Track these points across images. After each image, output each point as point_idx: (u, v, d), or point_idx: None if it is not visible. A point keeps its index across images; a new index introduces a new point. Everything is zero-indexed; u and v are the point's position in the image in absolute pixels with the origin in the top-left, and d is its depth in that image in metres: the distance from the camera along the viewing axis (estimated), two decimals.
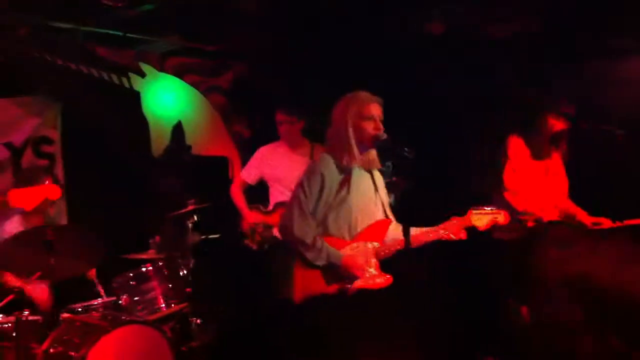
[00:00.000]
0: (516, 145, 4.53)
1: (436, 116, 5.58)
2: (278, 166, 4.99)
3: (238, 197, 5.11)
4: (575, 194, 4.63)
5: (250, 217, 4.98)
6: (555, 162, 4.61)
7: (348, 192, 3.46)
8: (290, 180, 4.85)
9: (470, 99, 5.43)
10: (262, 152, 5.16)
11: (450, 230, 3.52)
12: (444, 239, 3.54)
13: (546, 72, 5.14)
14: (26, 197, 3.29)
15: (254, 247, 4.88)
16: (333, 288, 3.42)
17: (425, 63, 5.66)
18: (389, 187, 3.71)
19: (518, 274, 4.31)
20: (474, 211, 3.56)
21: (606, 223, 4.26)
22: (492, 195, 4.49)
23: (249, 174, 5.15)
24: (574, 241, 4.11)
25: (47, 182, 3.48)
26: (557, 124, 4.48)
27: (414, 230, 3.53)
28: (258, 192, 5.16)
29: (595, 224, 4.32)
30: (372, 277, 3.45)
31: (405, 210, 3.64)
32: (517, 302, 4.34)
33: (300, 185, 3.52)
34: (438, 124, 5.53)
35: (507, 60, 5.38)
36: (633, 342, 3.31)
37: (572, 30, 5.08)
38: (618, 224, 4.16)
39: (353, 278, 3.41)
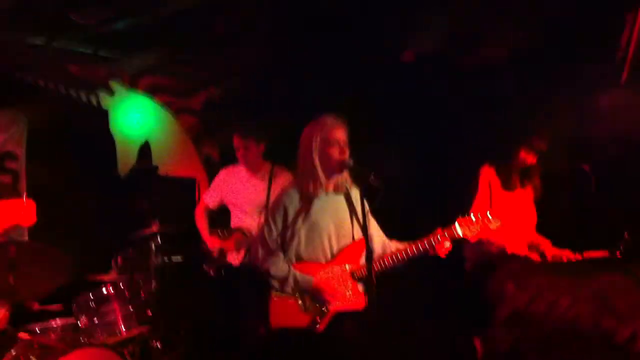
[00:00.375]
0: (487, 175, 4.60)
1: (410, 141, 5.64)
2: (237, 191, 4.96)
3: (200, 220, 5.07)
4: (546, 226, 4.71)
5: (209, 241, 4.95)
6: (526, 195, 4.68)
7: (308, 215, 3.49)
8: (247, 205, 4.87)
9: (446, 125, 5.51)
10: (222, 176, 5.12)
11: (437, 243, 3.50)
12: (430, 253, 3.52)
13: (519, 104, 5.23)
14: None
15: (211, 272, 4.83)
16: (309, 315, 3.44)
17: (398, 89, 5.74)
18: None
19: (474, 304, 4.37)
20: (461, 221, 3.54)
21: (566, 254, 4.34)
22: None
23: (210, 198, 5.11)
24: (531, 275, 4.16)
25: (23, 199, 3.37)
26: (528, 158, 4.55)
27: (396, 246, 3.59)
28: (224, 216, 5.14)
29: (555, 256, 4.39)
30: (350, 298, 3.47)
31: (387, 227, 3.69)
32: (469, 334, 4.37)
33: (265, 221, 3.59)
34: (411, 149, 5.59)
35: (482, 90, 5.48)
36: None
37: (543, 61, 5.20)
38: (577, 255, 4.24)
39: (327, 302, 3.44)
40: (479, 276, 4.41)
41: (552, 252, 4.44)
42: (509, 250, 4.45)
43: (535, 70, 5.24)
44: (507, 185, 4.59)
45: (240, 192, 4.93)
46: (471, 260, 4.58)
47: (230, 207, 5.02)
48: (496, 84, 5.43)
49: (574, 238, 4.46)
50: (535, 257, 4.43)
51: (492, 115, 5.36)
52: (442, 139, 5.59)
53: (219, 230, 4.99)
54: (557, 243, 4.56)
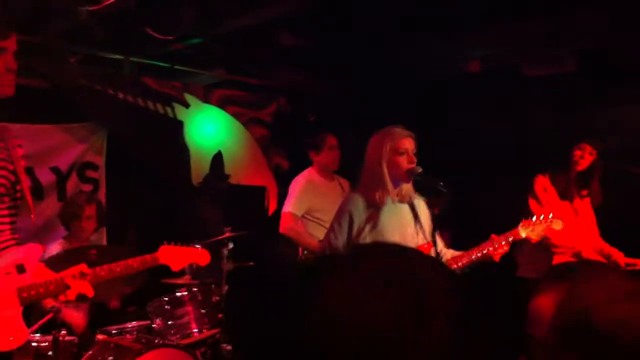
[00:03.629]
0: (542, 184, 4.47)
1: (470, 152, 5.59)
2: (324, 195, 4.96)
3: (296, 228, 4.91)
4: (612, 235, 4.56)
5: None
6: (584, 203, 4.53)
7: (377, 225, 3.50)
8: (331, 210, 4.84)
9: (503, 136, 5.43)
10: (302, 182, 5.07)
11: (492, 245, 3.51)
12: (487, 258, 3.52)
13: (583, 114, 5.11)
14: (175, 256, 3.43)
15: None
16: None
17: (461, 100, 5.71)
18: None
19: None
20: (525, 223, 3.53)
21: None
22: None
23: (298, 207, 4.95)
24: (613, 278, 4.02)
25: (198, 246, 3.67)
26: (583, 160, 4.40)
27: (452, 254, 3.59)
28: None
29: (629, 264, 4.23)
30: None
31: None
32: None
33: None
34: (471, 161, 5.53)
35: (542, 100, 5.38)
36: None
37: (607, 74, 5.07)
38: None
39: None
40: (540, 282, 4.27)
41: (624, 261, 4.27)
42: (584, 255, 4.30)
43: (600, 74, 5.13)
44: (564, 194, 4.44)
45: (328, 196, 4.93)
46: (525, 264, 4.45)
47: (317, 214, 4.95)
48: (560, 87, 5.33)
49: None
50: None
51: (546, 122, 5.26)
52: (494, 148, 5.51)
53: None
54: (628, 253, 4.40)
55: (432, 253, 3.55)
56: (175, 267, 3.44)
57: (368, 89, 6.22)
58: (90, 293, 2.96)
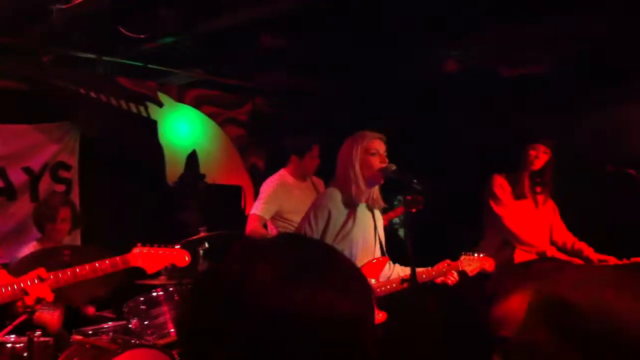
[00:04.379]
0: (499, 183, 4.49)
1: (449, 152, 5.66)
2: (295, 197, 4.97)
3: (262, 231, 4.91)
4: (594, 233, 4.63)
5: None
6: (542, 200, 4.55)
7: (353, 226, 3.55)
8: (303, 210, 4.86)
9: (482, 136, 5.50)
10: (274, 185, 5.03)
11: (442, 273, 3.67)
12: (436, 280, 3.68)
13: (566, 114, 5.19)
14: (150, 258, 3.34)
15: None
16: None
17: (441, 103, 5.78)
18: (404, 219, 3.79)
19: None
20: (464, 255, 3.74)
21: (612, 260, 4.24)
22: (488, 227, 4.51)
23: (266, 210, 4.90)
24: (571, 270, 4.08)
25: (177, 246, 3.53)
26: (538, 160, 4.41)
27: (403, 270, 3.67)
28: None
29: (601, 260, 4.30)
30: None
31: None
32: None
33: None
34: (449, 161, 5.60)
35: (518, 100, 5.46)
36: None
37: (593, 71, 5.15)
38: (625, 261, 4.14)
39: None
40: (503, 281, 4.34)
41: (596, 257, 4.35)
42: (549, 254, 4.37)
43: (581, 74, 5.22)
44: (520, 193, 4.46)
45: (300, 198, 4.93)
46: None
47: (288, 216, 4.91)
48: (539, 87, 5.41)
49: (618, 245, 4.36)
50: (579, 263, 4.34)
51: (501, 122, 5.34)
52: (451, 150, 5.59)
53: None
54: (601, 250, 4.45)
55: (387, 267, 3.67)
56: (150, 270, 3.33)
57: (348, 89, 6.26)
58: (49, 297, 2.94)
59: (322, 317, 0.98)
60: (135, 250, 3.31)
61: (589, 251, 4.41)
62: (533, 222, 4.44)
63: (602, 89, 5.09)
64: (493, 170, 4.56)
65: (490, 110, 5.54)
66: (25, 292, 2.83)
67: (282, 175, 5.09)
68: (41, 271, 2.88)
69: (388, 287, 3.58)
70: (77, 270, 3.05)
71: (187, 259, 3.52)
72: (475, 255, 3.79)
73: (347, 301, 1.01)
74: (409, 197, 3.65)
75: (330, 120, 6.15)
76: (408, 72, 5.79)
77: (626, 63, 5.01)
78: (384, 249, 3.72)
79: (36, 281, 2.87)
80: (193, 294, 1.06)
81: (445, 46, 5.45)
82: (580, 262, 4.33)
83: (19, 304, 2.85)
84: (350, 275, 1.06)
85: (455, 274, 3.68)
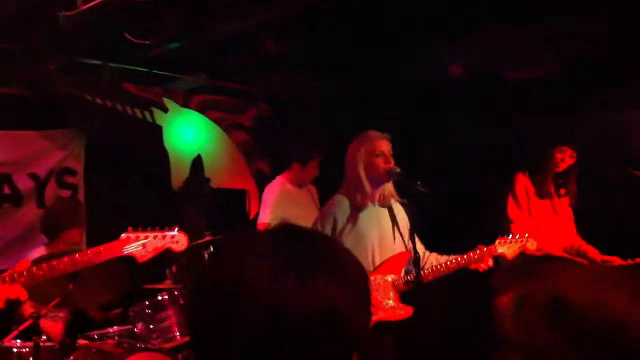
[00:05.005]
0: (522, 183, 4.55)
1: (450, 154, 5.65)
2: (296, 204, 4.99)
3: None
4: (597, 234, 4.63)
5: None
6: (562, 203, 4.60)
7: (357, 228, 3.54)
8: (309, 217, 4.87)
9: (484, 136, 5.50)
10: (277, 192, 5.08)
11: (477, 258, 3.60)
12: (470, 267, 3.61)
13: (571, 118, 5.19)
14: (141, 245, 2.99)
15: None
16: None
17: (443, 103, 5.77)
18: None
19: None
20: (501, 240, 3.66)
21: (616, 261, 4.25)
22: (498, 230, 4.50)
23: (274, 217, 4.89)
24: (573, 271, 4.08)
25: (175, 229, 3.16)
26: (563, 161, 4.47)
27: (436, 259, 3.61)
28: None
29: (605, 261, 4.30)
30: (391, 308, 3.51)
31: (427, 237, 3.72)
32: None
33: (314, 227, 3.63)
34: (452, 162, 5.60)
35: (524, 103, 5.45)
36: None
37: (596, 73, 5.15)
38: (629, 261, 4.14)
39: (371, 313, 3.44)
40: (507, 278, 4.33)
41: (600, 258, 4.35)
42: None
43: (585, 76, 5.21)
44: (541, 193, 4.52)
45: (299, 204, 4.95)
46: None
47: (290, 222, 4.90)
48: (543, 90, 5.40)
49: (623, 246, 4.36)
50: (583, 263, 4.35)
51: (525, 122, 5.33)
52: (476, 149, 5.58)
53: None
54: (605, 251, 4.45)
55: (411, 259, 3.62)
56: (141, 258, 2.98)
57: (352, 93, 6.27)
58: (22, 296, 2.71)
59: (315, 310, 0.98)
60: (123, 236, 2.97)
61: (594, 253, 4.42)
62: (550, 224, 4.45)
63: (604, 89, 5.08)
64: (517, 169, 4.59)
65: (492, 111, 5.54)
66: None
67: (282, 183, 5.12)
68: (23, 263, 2.73)
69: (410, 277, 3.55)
70: (55, 263, 2.80)
71: (185, 242, 3.15)
72: (512, 237, 3.72)
73: (340, 292, 1.01)
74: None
75: (333, 121, 6.15)
76: (410, 72, 5.79)
77: (629, 63, 5.00)
78: (406, 242, 3.69)
79: (6, 281, 2.68)
80: (192, 297, 1.10)
81: (447, 46, 5.44)
82: (585, 262, 4.34)
83: None
84: (344, 267, 1.06)
85: (491, 260, 3.62)
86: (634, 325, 1.11)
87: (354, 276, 1.06)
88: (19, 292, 2.67)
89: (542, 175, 4.53)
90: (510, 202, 4.50)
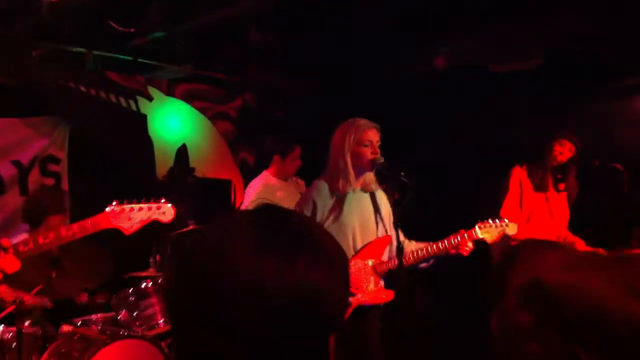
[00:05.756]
0: (518, 175, 4.58)
1: (444, 146, 5.69)
2: (278, 198, 5.01)
3: None
4: (580, 226, 4.69)
5: None
6: (560, 197, 4.63)
7: (340, 213, 3.57)
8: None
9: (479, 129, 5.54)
10: (258, 187, 5.09)
11: (456, 243, 3.61)
12: (450, 252, 3.63)
13: (555, 110, 5.23)
14: (127, 217, 2.91)
15: None
16: None
17: (432, 96, 5.80)
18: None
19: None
20: (481, 225, 3.67)
21: (601, 252, 4.29)
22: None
23: None
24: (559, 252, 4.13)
25: (162, 200, 3.11)
26: (562, 155, 4.50)
27: (416, 245, 3.64)
28: None
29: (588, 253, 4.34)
30: (372, 292, 3.54)
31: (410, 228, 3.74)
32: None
33: None
34: (445, 153, 5.63)
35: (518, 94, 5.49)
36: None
37: (581, 69, 5.19)
38: (612, 253, 4.18)
39: (350, 294, 3.49)
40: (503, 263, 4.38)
41: (585, 249, 4.40)
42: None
43: (569, 71, 5.26)
44: (538, 186, 4.56)
45: (283, 198, 4.97)
46: (497, 255, 4.57)
47: None
48: (528, 84, 5.45)
49: (608, 237, 4.40)
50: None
51: (524, 115, 5.37)
52: (472, 141, 5.62)
53: None
54: (591, 242, 4.50)
55: (393, 244, 3.65)
56: (127, 230, 2.89)
57: (336, 86, 6.28)
58: (15, 267, 2.61)
59: (296, 289, 1.00)
60: (108, 209, 2.88)
61: (580, 244, 4.47)
62: (539, 219, 4.49)
63: (588, 85, 5.14)
64: (515, 161, 4.63)
65: (480, 105, 5.58)
66: None
67: (265, 177, 5.14)
68: (4, 241, 2.61)
69: (392, 265, 3.58)
70: (40, 238, 2.72)
71: (172, 213, 3.09)
72: (492, 222, 3.72)
73: (320, 272, 1.02)
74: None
75: (311, 118, 6.17)
76: (395, 69, 5.82)
77: (612, 59, 5.06)
78: (389, 228, 3.71)
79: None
80: (173, 275, 1.08)
81: (435, 42, 5.48)
82: None
83: None
84: (324, 247, 1.07)
85: (470, 244, 3.61)
86: (611, 308, 1.13)
87: (333, 257, 1.07)
88: (12, 263, 2.59)
89: (539, 168, 4.56)
90: (503, 193, 4.54)
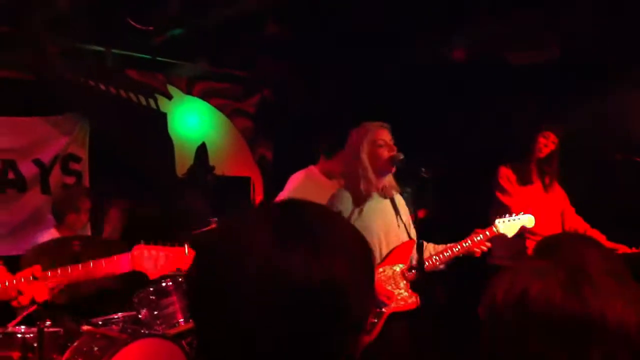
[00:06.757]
0: (505, 174, 4.53)
1: (456, 143, 5.64)
2: (320, 195, 4.93)
3: None
4: (601, 221, 4.61)
5: None
6: (553, 188, 4.59)
7: (363, 221, 3.51)
8: None
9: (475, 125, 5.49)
10: (300, 179, 4.96)
11: (479, 242, 3.58)
12: (470, 252, 3.58)
13: (569, 102, 5.16)
14: (153, 259, 2.87)
15: None
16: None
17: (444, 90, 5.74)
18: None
19: None
20: (500, 220, 3.64)
21: (622, 249, 4.23)
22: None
23: None
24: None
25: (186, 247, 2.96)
26: (547, 148, 4.46)
27: (436, 248, 3.61)
28: None
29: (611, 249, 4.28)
30: (404, 298, 3.50)
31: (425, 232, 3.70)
32: None
33: None
34: (450, 151, 5.59)
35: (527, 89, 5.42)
36: None
37: (597, 61, 5.11)
38: (634, 249, 4.13)
39: (382, 304, 3.44)
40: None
41: (607, 245, 4.32)
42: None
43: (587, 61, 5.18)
44: (524, 179, 4.52)
45: (324, 196, 4.90)
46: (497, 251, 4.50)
47: None
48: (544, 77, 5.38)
49: (627, 233, 4.35)
50: None
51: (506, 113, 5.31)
52: (458, 142, 5.56)
53: None
54: (608, 239, 4.41)
55: (414, 249, 3.61)
56: (153, 274, 2.90)
57: (354, 81, 6.23)
58: (44, 297, 2.72)
59: (319, 282, 0.98)
60: (138, 248, 2.90)
61: (601, 239, 4.39)
62: (542, 208, 4.44)
63: (606, 75, 5.05)
64: (498, 161, 4.57)
65: (493, 97, 5.51)
66: (19, 292, 2.66)
67: (309, 170, 5.04)
68: (36, 269, 2.72)
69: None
70: (73, 269, 2.80)
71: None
72: (509, 216, 3.71)
73: (341, 266, 1.00)
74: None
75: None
76: (410, 59, 5.76)
77: (630, 51, 4.97)
78: (411, 232, 3.68)
79: (31, 279, 2.70)
80: (196, 266, 1.07)
81: (448, 33, 5.42)
82: None
83: (15, 303, 2.70)
84: (348, 241, 1.06)
85: (488, 243, 3.60)
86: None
87: (357, 251, 1.06)
88: (42, 291, 2.69)
89: (523, 164, 4.53)
90: (498, 195, 4.49)
